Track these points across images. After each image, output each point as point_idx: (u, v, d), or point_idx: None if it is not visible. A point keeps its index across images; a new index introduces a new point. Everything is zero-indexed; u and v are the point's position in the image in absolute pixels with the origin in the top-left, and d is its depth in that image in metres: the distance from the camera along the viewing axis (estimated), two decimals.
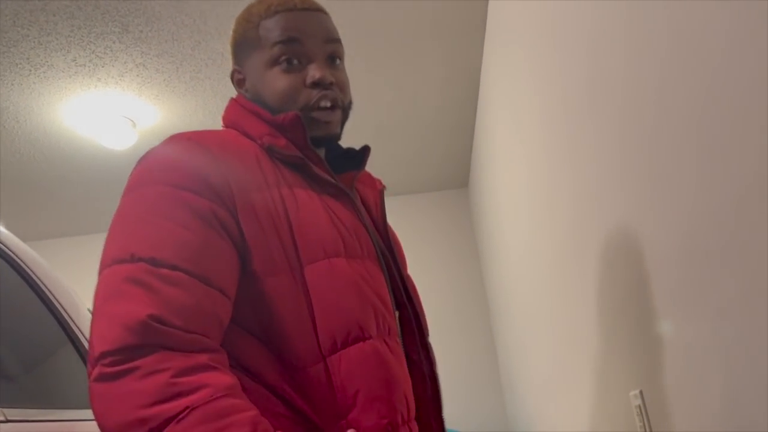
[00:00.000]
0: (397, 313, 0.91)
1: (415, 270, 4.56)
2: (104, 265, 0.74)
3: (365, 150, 1.03)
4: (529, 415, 2.81)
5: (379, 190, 1.03)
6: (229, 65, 2.66)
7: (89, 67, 2.57)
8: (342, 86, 0.96)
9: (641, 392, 1.17)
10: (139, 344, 0.67)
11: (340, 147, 1.04)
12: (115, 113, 2.91)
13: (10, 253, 1.29)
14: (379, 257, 0.90)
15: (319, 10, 0.97)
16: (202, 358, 0.69)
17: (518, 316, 2.76)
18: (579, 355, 1.67)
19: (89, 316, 1.47)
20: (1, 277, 1.25)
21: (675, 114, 0.91)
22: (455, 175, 4.11)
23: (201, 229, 0.76)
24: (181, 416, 0.64)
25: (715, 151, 0.80)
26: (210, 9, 2.32)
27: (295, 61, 0.92)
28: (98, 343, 0.68)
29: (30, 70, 2.55)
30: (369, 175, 1.06)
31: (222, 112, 1.00)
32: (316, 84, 0.92)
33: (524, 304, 2.54)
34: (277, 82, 0.92)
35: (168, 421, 0.64)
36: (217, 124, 3.02)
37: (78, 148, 3.19)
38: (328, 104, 0.92)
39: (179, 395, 0.65)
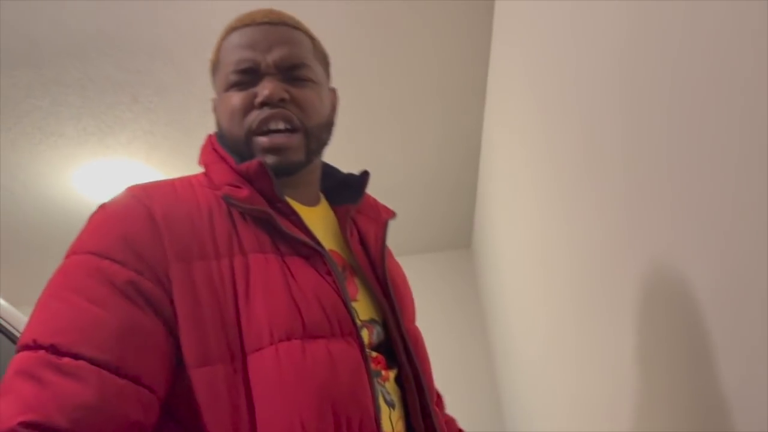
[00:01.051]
0: (393, 372, 0.79)
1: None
2: (17, 348, 0.64)
3: (364, 176, 0.89)
4: None
5: (383, 221, 0.88)
6: None
7: (99, 135, 2.64)
8: (302, 104, 0.81)
9: None
10: None
11: (338, 173, 0.92)
12: (122, 179, 2.96)
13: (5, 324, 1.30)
14: (358, 333, 0.74)
15: (283, 23, 0.83)
16: None
17: (524, 380, 2.72)
18: (586, 421, 1.64)
19: None
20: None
21: (677, 173, 0.93)
22: (458, 236, 4.13)
23: (118, 305, 0.65)
24: None
25: (717, 209, 0.81)
26: None
27: (246, 83, 0.80)
28: None
29: (41, 139, 2.62)
30: (373, 205, 0.91)
31: None
32: (264, 103, 0.79)
33: (530, 368, 2.51)
34: (228, 104, 0.81)
35: None
36: None
37: (85, 213, 3.23)
38: (280, 125, 0.79)
39: None
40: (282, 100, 0.79)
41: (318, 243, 0.77)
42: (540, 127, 1.76)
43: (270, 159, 0.79)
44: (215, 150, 0.83)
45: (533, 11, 1.68)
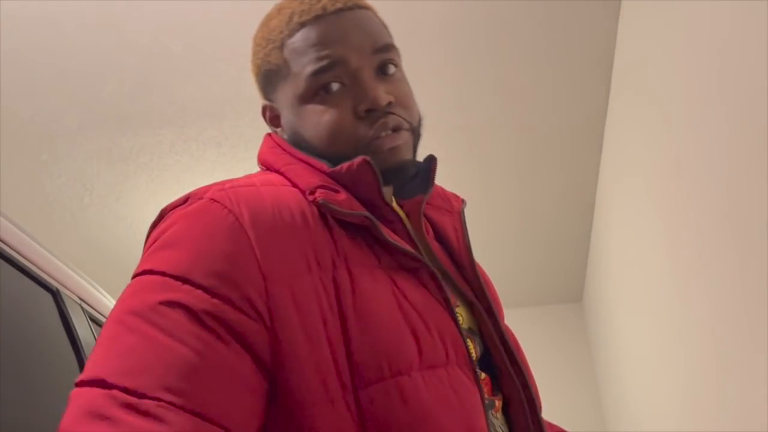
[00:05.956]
0: (499, 402, 0.69)
1: None
2: (78, 381, 0.54)
3: (431, 163, 0.76)
4: None
5: (457, 211, 0.78)
6: None
7: None
8: (403, 102, 0.71)
9: None
10: None
11: None
12: None
13: None
14: (471, 360, 0.64)
15: (357, 6, 0.71)
16: None
17: None
18: None
19: None
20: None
21: None
22: (569, 289, 4.02)
23: (201, 340, 0.54)
24: None
25: None
26: None
27: (336, 86, 0.68)
28: None
29: (177, 191, 2.83)
30: (442, 195, 0.79)
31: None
32: (371, 111, 0.68)
33: None
34: (319, 119, 0.69)
35: None
36: None
37: None
38: (390, 131, 0.68)
39: None
40: (389, 103, 0.69)
41: (422, 255, 0.68)
42: (664, 182, 1.72)
43: (388, 162, 0.68)
44: (289, 153, 0.72)
45: (655, 62, 1.66)
